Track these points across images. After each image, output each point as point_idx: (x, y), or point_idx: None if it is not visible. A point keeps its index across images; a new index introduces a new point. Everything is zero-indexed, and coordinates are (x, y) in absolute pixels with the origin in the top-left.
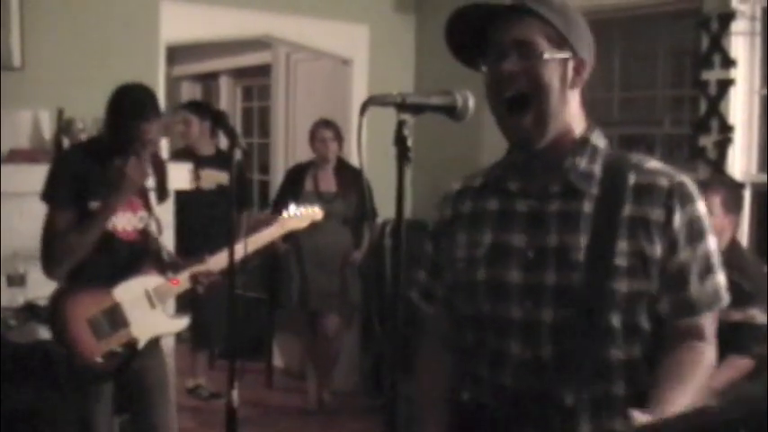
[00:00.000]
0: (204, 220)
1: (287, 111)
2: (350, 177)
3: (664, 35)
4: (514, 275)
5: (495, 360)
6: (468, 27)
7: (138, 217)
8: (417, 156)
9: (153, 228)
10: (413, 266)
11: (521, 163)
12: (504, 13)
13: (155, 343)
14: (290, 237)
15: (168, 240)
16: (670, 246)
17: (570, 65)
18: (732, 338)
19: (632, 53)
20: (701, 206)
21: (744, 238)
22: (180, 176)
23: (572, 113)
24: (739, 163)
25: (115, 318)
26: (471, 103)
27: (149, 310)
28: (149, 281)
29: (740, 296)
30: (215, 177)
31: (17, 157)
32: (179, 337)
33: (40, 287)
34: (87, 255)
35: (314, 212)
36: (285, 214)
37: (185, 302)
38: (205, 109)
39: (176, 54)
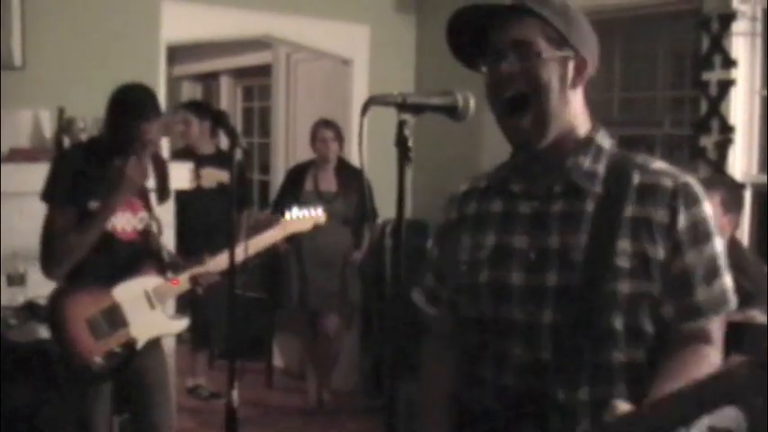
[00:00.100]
0: (205, 219)
1: (287, 111)
2: (350, 177)
3: (664, 36)
4: (516, 277)
5: (498, 362)
6: (469, 27)
7: (138, 218)
8: (418, 156)
9: (153, 228)
10: (415, 267)
11: (523, 164)
12: (503, 14)
13: (154, 343)
14: (291, 237)
15: (169, 240)
16: (674, 248)
17: (571, 64)
18: (732, 339)
19: (633, 54)
20: (706, 207)
21: (744, 238)
22: (180, 176)
23: (574, 113)
24: (740, 163)
25: (114, 318)
26: (472, 103)
27: (149, 310)
28: (149, 281)
29: (740, 296)
30: (215, 176)
31: (17, 156)
32: (179, 337)
33: (40, 286)
34: (87, 255)
35: (317, 215)
36: (287, 216)
37: (185, 303)
38: (205, 109)
39: (177, 54)
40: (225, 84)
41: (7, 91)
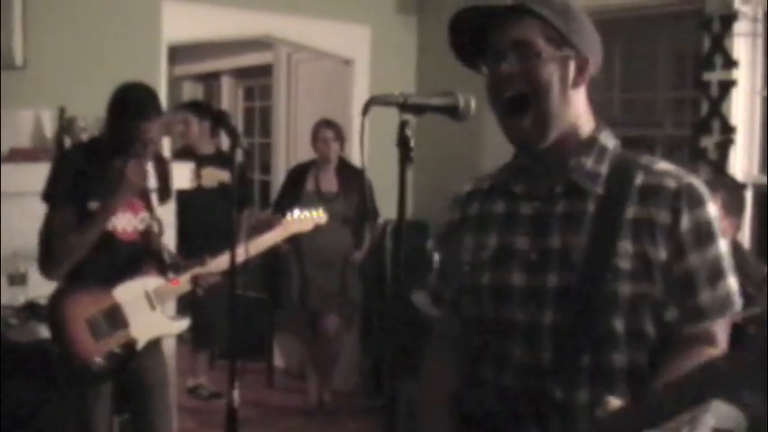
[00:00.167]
0: (205, 219)
1: (288, 111)
2: (351, 177)
3: (665, 36)
4: (518, 278)
5: (499, 363)
6: (470, 28)
7: (139, 218)
8: (418, 156)
9: (154, 228)
10: (415, 267)
11: (525, 164)
12: (503, 14)
13: (155, 344)
14: (292, 237)
15: (170, 240)
16: (676, 249)
17: (572, 64)
18: (732, 340)
19: (633, 54)
20: (711, 209)
21: (745, 238)
22: (182, 176)
23: (576, 113)
24: (741, 164)
25: (114, 318)
26: (473, 103)
27: (149, 311)
28: (149, 282)
29: (742, 298)
30: (216, 175)
31: (18, 156)
32: (180, 337)
33: (41, 286)
34: (87, 255)
35: (318, 216)
36: (289, 217)
37: (186, 303)
38: (205, 109)
39: (178, 54)
40: (226, 84)
41: (8, 90)
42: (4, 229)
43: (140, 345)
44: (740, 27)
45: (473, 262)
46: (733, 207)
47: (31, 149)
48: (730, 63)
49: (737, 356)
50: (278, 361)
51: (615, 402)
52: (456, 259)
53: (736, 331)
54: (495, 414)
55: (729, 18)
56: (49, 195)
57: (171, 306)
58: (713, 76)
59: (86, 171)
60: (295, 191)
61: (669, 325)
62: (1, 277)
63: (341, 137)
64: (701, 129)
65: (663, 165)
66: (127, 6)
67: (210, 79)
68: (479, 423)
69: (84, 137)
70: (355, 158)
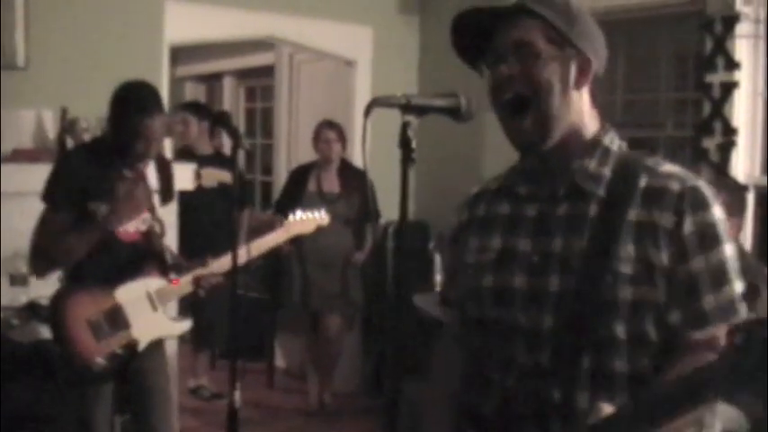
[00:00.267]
0: (206, 219)
1: (290, 111)
2: (353, 178)
3: (667, 38)
4: (519, 281)
5: (502, 365)
6: (472, 30)
7: (141, 218)
8: (420, 157)
9: (156, 229)
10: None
11: (529, 166)
12: (505, 16)
13: (157, 345)
14: (293, 238)
15: (172, 241)
16: (679, 253)
17: (573, 64)
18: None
19: (635, 56)
20: (716, 212)
21: (747, 240)
22: (183, 176)
23: (579, 114)
24: (742, 165)
25: (116, 319)
26: (475, 104)
27: (151, 312)
28: (151, 282)
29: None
30: (216, 176)
31: (20, 156)
32: (181, 337)
33: (43, 287)
34: (89, 255)
35: (320, 217)
36: (291, 218)
37: (187, 304)
38: (203, 109)
39: (180, 54)
40: (228, 84)
41: (10, 91)
42: (6, 230)
43: (142, 346)
44: (742, 29)
45: (476, 264)
46: (734, 208)
47: (33, 150)
48: (732, 64)
49: (735, 358)
50: (279, 361)
51: (607, 409)
52: (461, 261)
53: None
54: (497, 415)
55: (731, 19)
56: (49, 196)
57: (173, 307)
58: (715, 78)
59: (88, 172)
60: (297, 191)
61: (672, 329)
62: (2, 277)
63: (343, 138)
64: (702, 130)
65: (668, 167)
66: (129, 7)
67: (212, 80)
68: (482, 424)
69: (87, 137)
70: (357, 159)
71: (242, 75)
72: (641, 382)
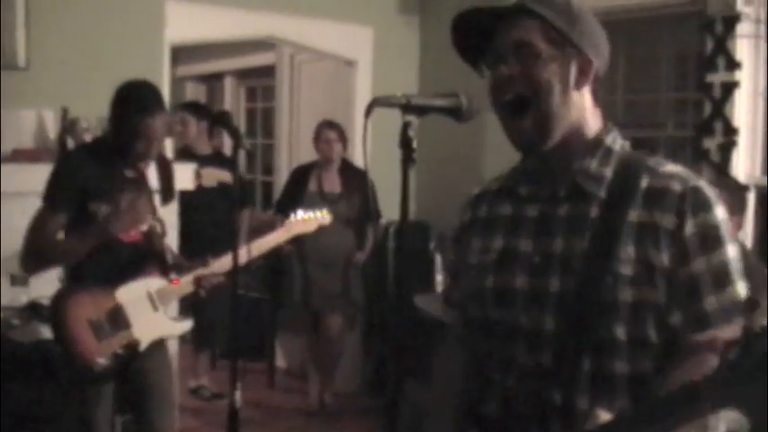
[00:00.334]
0: (206, 219)
1: (291, 111)
2: (354, 178)
3: (668, 38)
4: (521, 282)
5: (503, 365)
6: (472, 30)
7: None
8: (420, 157)
9: (157, 229)
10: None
11: (531, 166)
12: (505, 16)
13: (158, 345)
14: (294, 238)
15: (173, 241)
16: (680, 255)
17: (574, 64)
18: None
19: (636, 56)
20: (718, 212)
21: (747, 240)
22: (183, 176)
23: (580, 114)
24: (743, 165)
25: (117, 319)
26: (476, 104)
27: (152, 312)
28: (152, 283)
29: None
30: (215, 175)
31: (21, 156)
32: (182, 337)
33: (43, 287)
34: (90, 256)
35: (322, 217)
36: (292, 218)
37: (187, 304)
38: (202, 109)
39: (181, 54)
40: (228, 84)
41: (11, 91)
42: (7, 230)
43: (143, 346)
44: (743, 29)
45: (479, 264)
46: (735, 208)
47: (33, 150)
48: (733, 64)
49: (731, 372)
50: (280, 361)
51: (604, 415)
52: (463, 262)
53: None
54: (498, 416)
55: (732, 20)
56: (49, 197)
57: (173, 307)
58: (716, 78)
59: (88, 172)
60: (297, 191)
61: (673, 330)
62: (3, 277)
63: (343, 138)
64: (703, 130)
65: (670, 167)
66: (129, 7)
67: (213, 80)
68: (484, 424)
69: (87, 137)
70: (358, 159)
71: (243, 75)
72: (642, 384)
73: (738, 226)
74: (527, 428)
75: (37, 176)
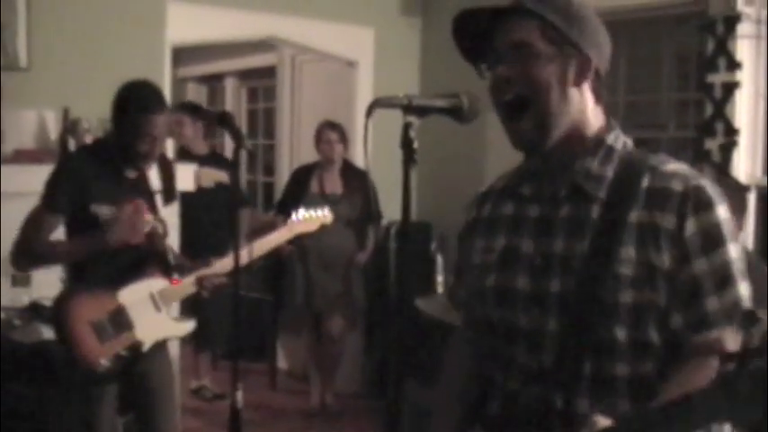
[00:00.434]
0: (204, 219)
1: (292, 112)
2: (355, 179)
3: (669, 38)
4: (522, 282)
5: (505, 366)
6: (471, 31)
7: (145, 221)
8: (421, 158)
9: (159, 230)
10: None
11: (533, 166)
12: (503, 16)
13: (160, 346)
14: (295, 238)
15: (174, 242)
16: (681, 256)
17: (573, 63)
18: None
19: (637, 56)
20: (720, 212)
21: (748, 241)
22: (184, 177)
23: (580, 112)
24: (744, 165)
25: (119, 321)
26: (477, 105)
27: (154, 313)
28: (154, 284)
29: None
30: (213, 176)
31: (22, 157)
32: (182, 338)
33: (45, 287)
34: (92, 257)
35: (324, 216)
36: (294, 217)
37: (189, 305)
38: (198, 109)
39: (182, 55)
40: (230, 85)
41: (12, 92)
42: (8, 230)
43: (146, 347)
44: (743, 29)
45: (481, 264)
46: (735, 209)
47: (35, 150)
48: (734, 65)
49: (728, 388)
50: (281, 362)
51: (603, 421)
52: (468, 261)
53: None
54: (501, 417)
55: (733, 20)
56: (47, 197)
57: (174, 308)
58: (717, 78)
59: (89, 174)
60: (299, 192)
61: (675, 332)
62: (4, 278)
63: (344, 138)
64: (704, 131)
65: (672, 165)
66: (131, 8)
67: (214, 81)
68: (488, 425)
69: (88, 138)
70: (359, 160)
71: (244, 75)
72: (643, 387)
73: (739, 227)
74: (528, 430)
75: (38, 177)
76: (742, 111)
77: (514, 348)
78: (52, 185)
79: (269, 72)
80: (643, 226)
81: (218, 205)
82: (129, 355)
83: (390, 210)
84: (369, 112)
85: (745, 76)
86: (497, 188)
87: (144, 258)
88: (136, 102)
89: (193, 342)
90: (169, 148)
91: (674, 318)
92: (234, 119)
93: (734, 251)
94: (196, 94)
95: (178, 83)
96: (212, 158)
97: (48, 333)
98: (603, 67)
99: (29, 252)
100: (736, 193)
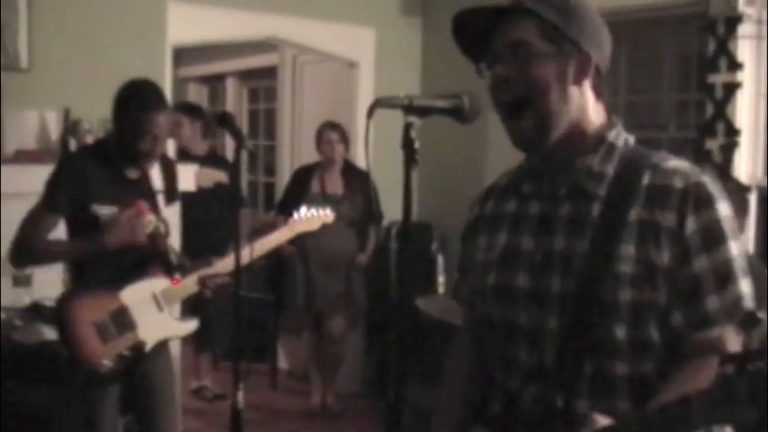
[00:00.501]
0: (202, 219)
1: (293, 113)
2: (356, 180)
3: (670, 39)
4: (522, 280)
5: (506, 365)
6: (471, 31)
7: (146, 221)
8: (423, 158)
9: (161, 230)
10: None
11: (534, 164)
12: (502, 16)
13: (162, 345)
14: (296, 238)
15: (175, 242)
16: (681, 253)
17: (572, 61)
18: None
19: (638, 57)
20: (722, 208)
21: (749, 241)
22: (185, 178)
23: (580, 110)
24: (745, 166)
25: (122, 321)
26: (479, 105)
27: (157, 313)
28: (157, 283)
29: None
30: (211, 176)
31: (23, 157)
32: (183, 338)
33: (46, 288)
34: (94, 258)
35: (325, 215)
36: (295, 216)
37: (190, 305)
38: (196, 110)
39: (183, 55)
40: (231, 85)
41: (14, 92)
42: (8, 230)
43: (149, 347)
44: (744, 29)
45: (483, 261)
46: (736, 210)
47: (36, 151)
48: (735, 65)
49: (726, 390)
50: (282, 362)
51: (602, 420)
52: (471, 258)
53: None
54: (502, 417)
55: (734, 20)
56: (47, 196)
57: (176, 308)
58: (718, 79)
59: (90, 174)
60: (299, 192)
61: (676, 331)
62: (5, 278)
63: (345, 139)
64: (705, 131)
65: (673, 162)
66: (131, 8)
67: (215, 81)
68: (489, 424)
69: (89, 138)
70: (360, 160)
71: (245, 76)
72: (644, 387)
73: (740, 227)
74: (529, 430)
75: (39, 177)
76: (743, 111)
77: (515, 346)
78: (52, 185)
79: (270, 72)
80: (643, 223)
81: (216, 205)
82: (131, 356)
83: (391, 210)
84: (370, 113)
85: (746, 77)
86: (500, 185)
87: (146, 258)
88: (137, 100)
89: (194, 342)
90: (170, 148)
91: (675, 316)
92: (235, 119)
93: (735, 248)
94: (197, 94)
95: (179, 83)
96: (210, 159)
97: (49, 333)
98: (604, 65)
99: (26, 250)
100: (737, 194)
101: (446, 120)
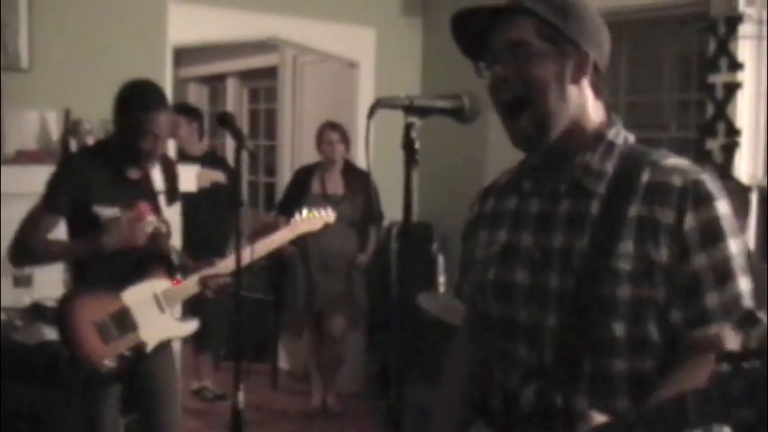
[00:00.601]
0: (201, 220)
1: (293, 113)
2: (356, 180)
3: (670, 39)
4: (521, 277)
5: (506, 362)
6: (470, 31)
7: (147, 222)
8: (423, 158)
9: (162, 230)
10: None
11: (534, 162)
12: (502, 15)
13: (163, 346)
14: (297, 239)
15: (176, 242)
16: (680, 251)
17: (570, 59)
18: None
19: (639, 57)
20: (721, 206)
21: (750, 241)
22: (185, 178)
23: (580, 108)
24: (745, 166)
25: (123, 321)
26: (479, 105)
27: (158, 313)
28: (158, 284)
29: None
30: (209, 176)
31: (23, 157)
32: (184, 339)
33: (47, 288)
34: (95, 258)
35: (327, 215)
36: (297, 217)
37: (190, 305)
38: (192, 110)
39: (183, 56)
40: (231, 86)
41: (14, 92)
42: (9, 231)
43: (150, 347)
44: (745, 29)
45: (484, 258)
46: (737, 210)
47: (36, 151)
48: (735, 65)
49: (723, 388)
50: (282, 363)
51: (599, 418)
52: (471, 255)
53: None
54: (502, 414)
55: (734, 20)
56: (47, 197)
57: (177, 308)
58: (718, 79)
59: (90, 175)
60: (300, 193)
61: (674, 328)
62: (6, 279)
63: (346, 139)
64: (706, 131)
65: (673, 160)
66: (132, 8)
67: (216, 81)
68: (489, 422)
69: (90, 139)
70: (360, 161)
71: (245, 76)
72: (642, 384)
73: (741, 228)
74: (528, 428)
75: (39, 178)
76: (743, 111)
77: (514, 344)
78: (53, 186)
79: (270, 73)
80: (642, 221)
81: (214, 206)
82: (132, 356)
83: (392, 210)
84: (370, 113)
85: (746, 77)
86: (501, 184)
87: (147, 259)
88: (137, 100)
89: (194, 343)
90: (170, 148)
91: (674, 313)
92: (235, 119)
93: (734, 246)
94: (197, 94)
95: (179, 83)
96: (208, 159)
97: (49, 334)
98: (603, 63)
99: (24, 249)
100: (738, 194)
101: (446, 120)
